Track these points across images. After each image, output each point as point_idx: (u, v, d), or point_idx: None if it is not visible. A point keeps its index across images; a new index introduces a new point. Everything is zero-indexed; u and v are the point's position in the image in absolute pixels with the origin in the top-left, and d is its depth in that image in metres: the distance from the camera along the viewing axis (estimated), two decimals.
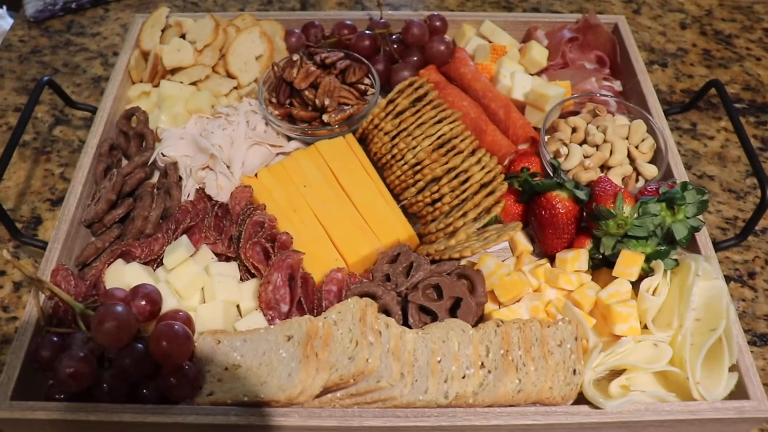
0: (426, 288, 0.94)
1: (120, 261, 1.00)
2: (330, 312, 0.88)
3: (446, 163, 1.02)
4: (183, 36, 1.28)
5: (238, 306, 0.98)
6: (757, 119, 1.35)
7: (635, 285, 0.95)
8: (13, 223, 1.01)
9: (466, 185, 1.00)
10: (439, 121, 1.05)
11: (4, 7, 1.95)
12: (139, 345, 0.86)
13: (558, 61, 1.27)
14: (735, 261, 1.13)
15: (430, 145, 1.02)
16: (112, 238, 1.05)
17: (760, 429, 0.94)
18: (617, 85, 1.25)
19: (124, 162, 1.15)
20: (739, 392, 0.87)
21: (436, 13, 1.26)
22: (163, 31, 1.29)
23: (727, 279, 1.10)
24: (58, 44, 1.49)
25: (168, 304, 0.94)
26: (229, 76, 1.23)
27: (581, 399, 0.87)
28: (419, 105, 1.07)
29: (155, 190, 1.10)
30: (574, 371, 0.86)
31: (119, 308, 0.85)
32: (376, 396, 0.83)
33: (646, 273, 0.96)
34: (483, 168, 1.01)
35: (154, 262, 1.02)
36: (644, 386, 0.88)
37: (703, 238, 1.01)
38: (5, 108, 1.35)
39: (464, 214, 0.98)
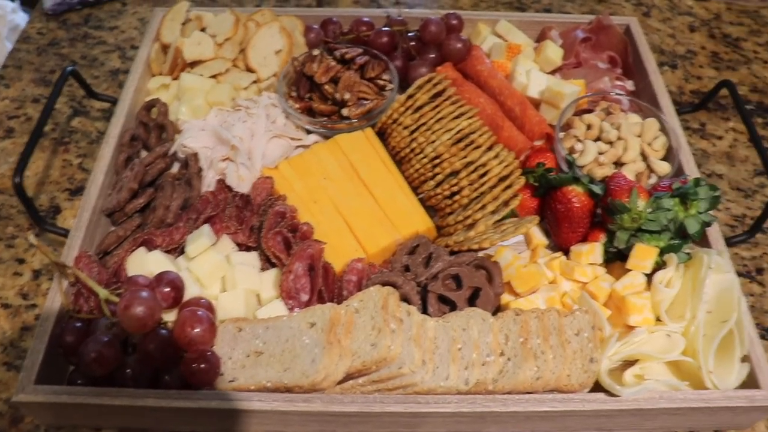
0: (445, 278, 0.96)
1: (142, 249, 1.01)
2: (352, 300, 0.90)
3: (465, 157, 1.04)
4: (203, 30, 1.29)
5: (258, 295, 1.00)
6: (764, 120, 1.38)
7: (649, 278, 0.97)
8: (37, 211, 1.03)
9: (485, 179, 1.02)
10: (458, 117, 1.07)
11: (17, 1, 1.97)
12: (164, 330, 0.88)
13: (572, 60, 1.29)
14: (743, 257, 1.15)
15: (449, 139, 1.04)
16: (134, 227, 1.06)
17: None
18: (629, 85, 1.28)
19: (144, 153, 1.17)
20: (750, 382, 0.89)
21: (452, 11, 1.28)
22: (183, 24, 1.31)
23: (737, 275, 1.11)
24: (76, 37, 1.51)
25: (190, 292, 0.96)
26: (249, 70, 1.25)
27: (597, 388, 0.89)
28: (438, 100, 1.09)
29: (176, 181, 1.11)
30: (591, 359, 0.88)
31: (145, 293, 0.86)
32: (397, 382, 0.85)
33: (660, 266, 0.98)
34: (501, 162, 1.03)
35: (175, 251, 1.04)
36: (657, 375, 0.90)
37: (715, 233, 1.03)
38: (23, 99, 1.37)
39: (483, 207, 1.00)
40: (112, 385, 0.87)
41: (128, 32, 1.52)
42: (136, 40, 1.49)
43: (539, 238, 1.07)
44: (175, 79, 1.26)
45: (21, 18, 1.94)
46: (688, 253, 0.98)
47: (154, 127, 1.18)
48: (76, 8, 1.56)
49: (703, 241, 1.04)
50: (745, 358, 0.91)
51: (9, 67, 1.44)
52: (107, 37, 1.51)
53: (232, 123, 1.14)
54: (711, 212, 1.00)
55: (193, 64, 1.25)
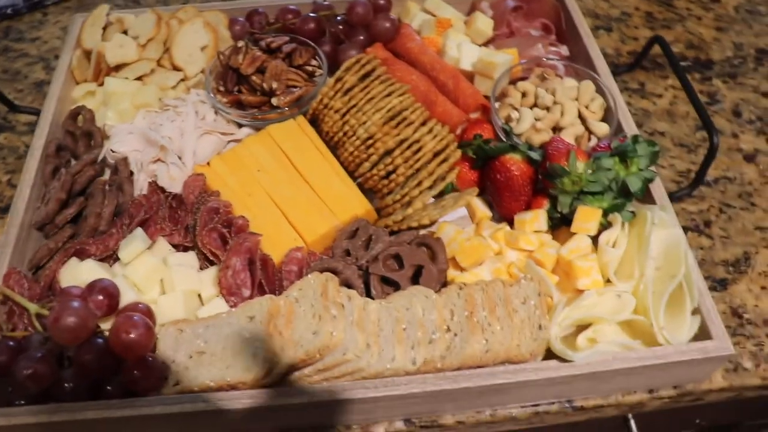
0: (386, 259, 0.93)
1: (74, 260, 0.97)
2: (291, 290, 0.87)
3: (398, 135, 1.01)
4: (125, 32, 1.25)
5: (199, 295, 0.97)
6: (702, 75, 1.37)
7: (595, 240, 0.95)
8: None
9: (419, 155, 1.00)
10: (388, 95, 1.04)
11: None
12: (99, 340, 0.84)
13: (504, 30, 1.27)
14: (691, 211, 1.14)
15: (380, 118, 1.02)
16: (65, 238, 1.02)
17: (725, 369, 0.95)
18: (564, 50, 1.26)
19: (74, 163, 1.13)
20: (703, 334, 0.88)
21: None
22: (104, 29, 1.26)
23: (684, 229, 1.11)
24: None
25: (127, 299, 0.93)
26: (175, 68, 1.21)
27: (550, 356, 0.87)
28: (367, 81, 1.06)
29: (107, 187, 1.07)
30: (540, 326, 0.86)
31: (75, 303, 0.83)
32: (343, 369, 0.82)
33: (605, 227, 0.96)
34: (435, 137, 1.01)
35: (111, 258, 1.00)
36: (610, 337, 0.89)
37: (658, 189, 1.02)
38: None
39: (419, 183, 0.98)
40: (53, 401, 0.83)
41: (51, 42, 1.47)
42: (60, 50, 1.44)
43: (482, 210, 1.05)
44: (100, 85, 1.22)
45: None
46: (632, 212, 0.96)
47: (81, 135, 1.14)
48: None
49: (647, 198, 1.03)
50: (696, 311, 0.90)
51: None
52: (29, 48, 1.46)
53: (160, 123, 1.11)
54: (652, 168, 0.99)
55: (118, 67, 1.21)
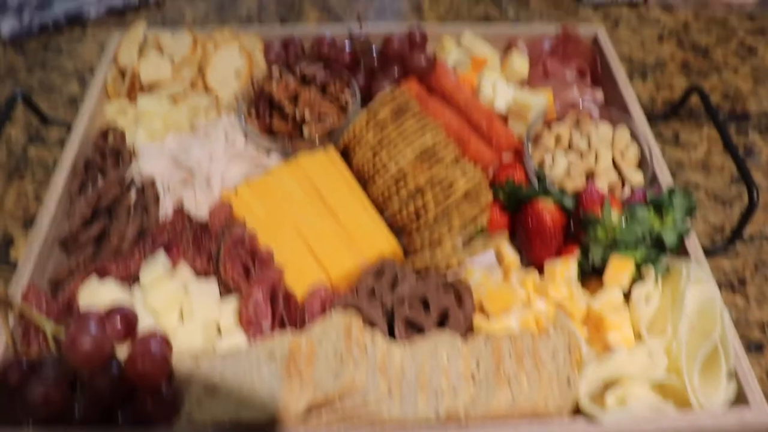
0: (412, 301, 0.91)
1: (94, 279, 0.96)
2: (314, 328, 0.85)
3: (429, 172, 0.99)
4: (161, 52, 1.25)
5: (218, 325, 0.95)
6: (738, 128, 1.35)
7: (626, 293, 0.93)
8: None
9: (450, 193, 0.98)
10: (421, 131, 1.03)
11: None
12: (114, 366, 0.83)
13: (539, 71, 1.26)
14: (725, 269, 1.11)
15: (412, 155, 1.00)
16: (87, 256, 1.01)
17: None
18: (599, 95, 1.24)
19: (101, 181, 1.12)
20: (738, 399, 0.85)
21: (416, 26, 1.25)
22: (140, 47, 1.27)
23: (718, 287, 1.08)
24: (34, 64, 1.46)
25: (145, 324, 0.91)
26: (208, 91, 1.21)
27: (577, 412, 0.84)
28: (401, 116, 1.05)
29: (132, 207, 1.06)
30: (569, 382, 0.83)
31: (92, 327, 0.81)
32: (363, 414, 0.80)
33: (637, 280, 0.94)
34: (467, 177, 0.99)
35: (131, 280, 0.98)
36: (641, 396, 0.86)
37: (693, 244, 1.00)
38: None
39: (449, 224, 0.96)
40: (62, 425, 0.81)
41: (88, 57, 1.48)
42: (96, 66, 1.45)
43: (511, 255, 1.02)
44: (133, 103, 1.22)
45: None
46: (666, 266, 0.94)
47: (110, 153, 1.13)
48: (35, 34, 1.52)
49: (681, 252, 1.00)
50: (732, 374, 0.87)
51: None
52: (66, 63, 1.47)
53: (190, 146, 1.10)
54: (688, 221, 0.97)
55: (151, 86, 1.21)
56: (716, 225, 1.17)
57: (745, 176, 0.99)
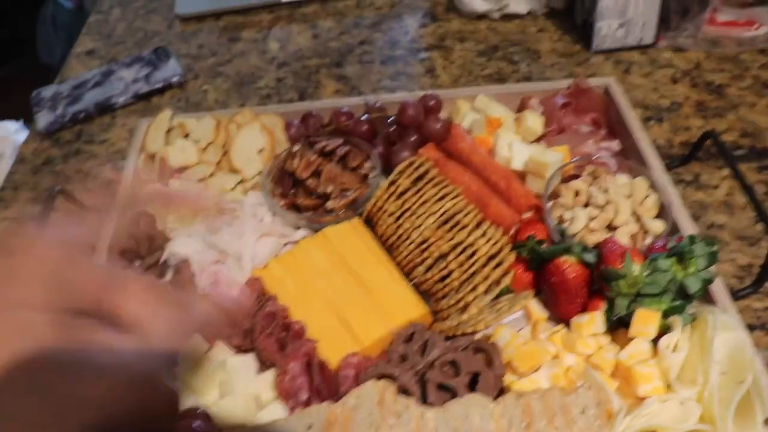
0: (443, 365, 0.93)
1: None
2: (348, 397, 0.88)
3: (452, 239, 1.02)
4: (186, 136, 1.31)
5: (257, 398, 0.97)
6: (759, 164, 1.36)
7: (654, 343, 0.93)
8: None
9: (474, 259, 1.00)
10: (442, 198, 1.06)
11: (21, 120, 2.03)
12: None
13: (554, 127, 1.29)
14: (756, 309, 1.11)
15: (434, 222, 1.03)
16: None
17: None
18: (615, 145, 1.27)
19: (138, 264, 1.17)
20: None
21: (430, 92, 1.30)
22: (167, 132, 1.33)
23: (750, 328, 1.08)
24: (69, 153, 1.54)
25: (186, 402, 0.94)
26: (233, 171, 1.26)
27: None
28: (420, 184, 1.09)
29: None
30: None
31: None
32: None
33: (664, 330, 0.94)
34: (489, 240, 1.02)
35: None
36: None
37: (718, 289, 1.00)
38: (22, 219, 1.38)
39: (474, 288, 0.98)
40: None
41: (118, 144, 1.55)
42: (126, 151, 1.51)
43: (538, 312, 1.04)
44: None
45: (23, 137, 1.99)
46: (692, 314, 0.94)
47: (143, 238, 1.19)
48: (68, 126, 1.60)
49: (707, 299, 1.01)
50: (767, 421, 0.87)
51: (7, 189, 1.47)
52: (99, 150, 1.54)
53: (219, 227, 1.15)
54: (712, 268, 0.97)
55: (180, 170, 1.27)
56: (743, 265, 1.17)
57: (763, 218, 1.00)
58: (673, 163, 1.29)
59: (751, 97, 1.52)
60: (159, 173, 1.28)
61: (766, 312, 1.10)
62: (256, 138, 1.28)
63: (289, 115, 1.35)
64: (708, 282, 0.96)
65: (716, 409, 0.86)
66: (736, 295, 1.02)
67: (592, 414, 0.86)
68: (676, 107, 1.51)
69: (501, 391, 0.94)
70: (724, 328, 0.91)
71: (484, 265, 1.01)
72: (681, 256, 0.97)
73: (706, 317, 0.92)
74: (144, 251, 1.17)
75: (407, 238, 1.05)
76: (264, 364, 1.00)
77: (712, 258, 0.97)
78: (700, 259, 0.96)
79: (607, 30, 1.64)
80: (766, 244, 1.19)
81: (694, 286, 0.95)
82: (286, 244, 1.15)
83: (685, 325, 0.93)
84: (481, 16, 1.84)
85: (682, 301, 0.96)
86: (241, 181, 1.25)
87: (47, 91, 1.68)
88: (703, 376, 0.89)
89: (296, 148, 1.20)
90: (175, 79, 1.67)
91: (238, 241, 1.12)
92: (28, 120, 1.83)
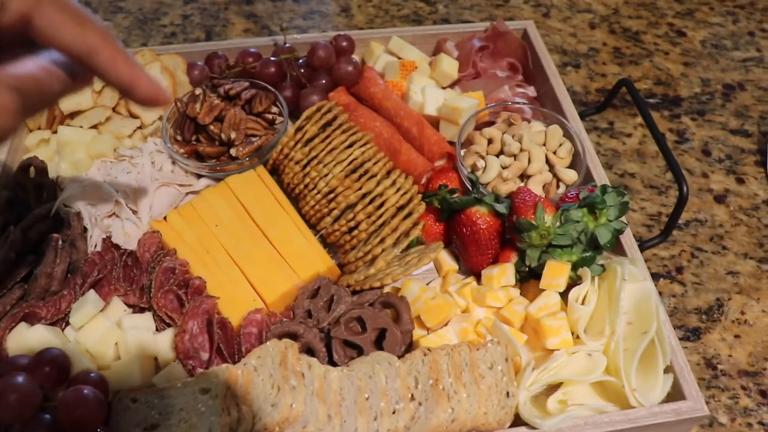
0: (349, 321, 0.90)
1: (23, 324, 0.92)
2: (249, 357, 0.84)
3: (360, 188, 0.98)
4: None
5: (156, 359, 0.92)
6: (671, 112, 1.36)
7: (564, 296, 0.93)
8: None
9: (382, 209, 0.96)
10: (350, 146, 1.01)
11: None
12: (47, 416, 0.80)
13: (470, 71, 1.25)
14: (662, 257, 1.12)
15: (341, 171, 0.98)
16: (14, 300, 0.97)
17: (700, 425, 0.93)
18: (531, 91, 1.24)
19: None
20: (676, 393, 0.86)
21: (342, 33, 1.23)
22: None
23: (656, 276, 1.09)
24: None
25: (80, 365, 0.88)
26: (132, 116, 1.17)
27: (519, 420, 0.84)
28: (329, 130, 1.03)
29: (59, 244, 1.03)
30: (508, 394, 0.83)
31: (20, 379, 0.78)
32: None
33: (574, 282, 0.94)
34: (398, 190, 0.98)
35: (63, 321, 0.95)
36: (582, 399, 0.86)
37: (628, 240, 1.00)
38: None
39: (382, 240, 0.94)
40: None
41: None
42: None
43: (449, 263, 1.02)
44: (54, 132, 1.18)
45: None
46: (601, 265, 0.94)
47: (33, 187, 1.09)
48: None
49: (617, 248, 1.01)
50: (668, 368, 0.88)
51: None
52: None
53: (115, 175, 1.07)
54: (622, 218, 0.97)
55: (72, 115, 1.17)
56: (653, 213, 1.18)
57: (673, 169, 0.99)
58: (588, 110, 1.28)
59: (665, 45, 1.52)
60: (48, 118, 1.17)
61: (672, 260, 1.12)
62: (156, 79, 1.18)
63: (192, 56, 1.26)
64: (618, 232, 0.96)
65: (621, 360, 0.86)
66: (644, 245, 1.02)
67: (500, 370, 0.84)
68: (593, 53, 1.50)
69: (410, 346, 0.91)
70: (632, 279, 0.91)
71: (393, 216, 0.97)
72: (592, 206, 0.95)
73: (614, 269, 0.92)
74: (33, 202, 1.08)
75: (314, 188, 1.00)
76: (162, 323, 0.94)
77: (623, 208, 0.96)
78: (612, 210, 0.95)
79: None
80: (675, 193, 1.20)
81: (604, 236, 0.94)
82: (186, 195, 1.08)
83: (594, 277, 0.93)
84: None
85: (593, 252, 0.95)
86: (140, 127, 1.16)
87: None
88: (610, 327, 0.89)
89: (198, 91, 1.12)
90: None
91: (136, 191, 1.05)
92: None
